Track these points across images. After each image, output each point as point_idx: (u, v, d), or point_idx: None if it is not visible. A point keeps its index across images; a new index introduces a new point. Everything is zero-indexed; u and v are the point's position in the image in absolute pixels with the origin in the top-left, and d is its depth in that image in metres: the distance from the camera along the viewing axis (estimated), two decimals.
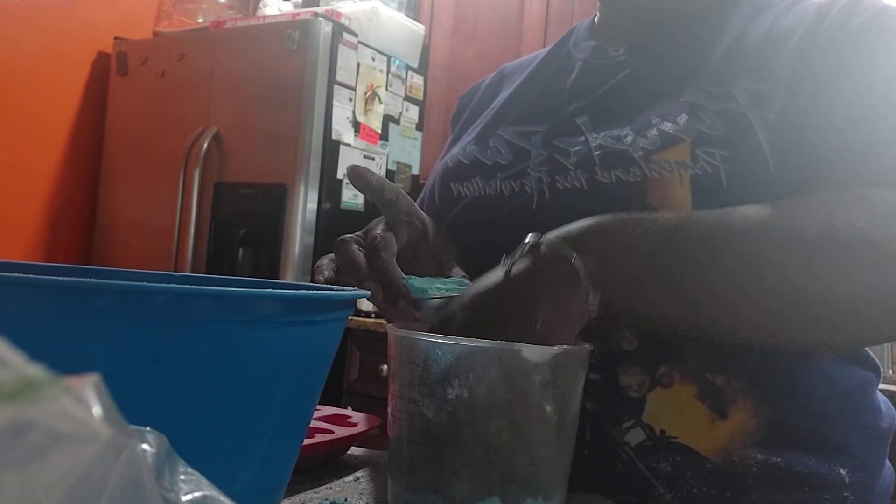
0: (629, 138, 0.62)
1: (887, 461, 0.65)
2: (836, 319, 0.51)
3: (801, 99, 0.58)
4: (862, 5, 0.60)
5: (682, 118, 0.60)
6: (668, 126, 0.60)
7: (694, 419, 0.57)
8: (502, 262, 0.50)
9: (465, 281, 0.55)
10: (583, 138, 0.65)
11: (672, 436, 0.57)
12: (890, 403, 0.67)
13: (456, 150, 0.76)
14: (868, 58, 0.58)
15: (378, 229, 0.56)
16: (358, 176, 0.56)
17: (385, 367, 2.19)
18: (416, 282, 0.52)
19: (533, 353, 0.44)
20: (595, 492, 0.58)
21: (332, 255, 0.55)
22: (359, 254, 0.53)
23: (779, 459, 0.57)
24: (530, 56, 0.85)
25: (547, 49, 0.81)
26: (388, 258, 0.52)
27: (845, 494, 0.59)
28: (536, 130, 0.70)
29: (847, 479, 0.59)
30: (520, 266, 0.49)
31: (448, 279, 0.55)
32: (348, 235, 0.55)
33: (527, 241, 0.49)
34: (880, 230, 0.50)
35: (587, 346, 0.48)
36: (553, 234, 0.50)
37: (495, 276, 0.50)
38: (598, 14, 0.78)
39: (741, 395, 0.57)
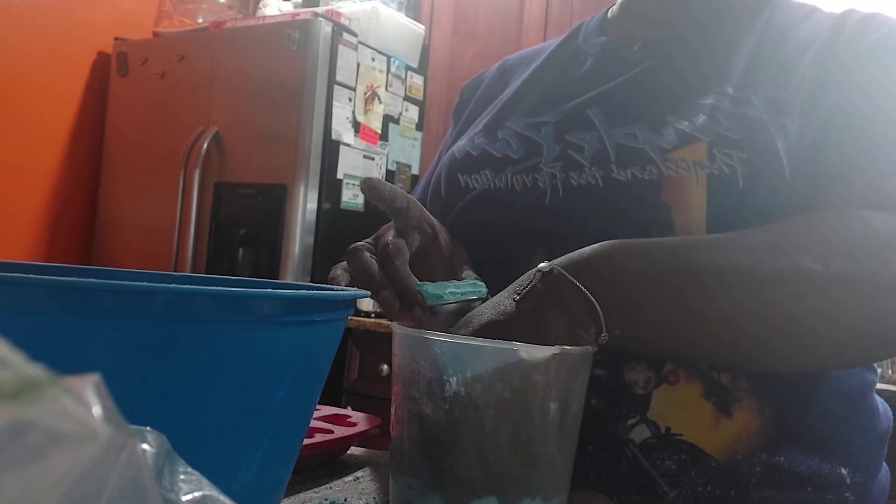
0: (645, 135, 0.62)
1: (884, 463, 0.66)
2: (839, 347, 0.53)
3: (816, 114, 0.59)
4: (875, 21, 0.62)
5: (700, 118, 0.60)
6: (684, 125, 0.60)
7: (699, 417, 0.57)
8: (512, 289, 0.50)
9: (479, 283, 0.55)
10: (596, 134, 0.65)
11: (677, 433, 0.57)
12: (887, 405, 0.67)
13: (463, 141, 0.75)
14: (882, 76, 0.60)
15: (389, 236, 0.55)
16: (371, 188, 0.55)
17: (385, 366, 2.18)
18: (431, 287, 0.51)
19: (531, 353, 0.44)
20: (599, 490, 0.58)
21: (345, 263, 0.54)
22: (372, 262, 0.52)
23: (782, 459, 0.57)
24: (534, 48, 0.85)
25: (554, 42, 0.81)
26: (402, 265, 0.51)
27: (846, 495, 0.59)
28: (546, 121, 0.69)
29: (848, 480, 0.59)
30: (531, 299, 0.49)
31: (461, 282, 0.55)
32: (360, 243, 0.54)
33: (538, 268, 0.49)
34: (878, 259, 0.50)
35: (588, 346, 0.48)
36: (562, 262, 0.50)
37: (504, 303, 0.50)
38: (612, 7, 0.77)
39: (746, 394, 0.57)
